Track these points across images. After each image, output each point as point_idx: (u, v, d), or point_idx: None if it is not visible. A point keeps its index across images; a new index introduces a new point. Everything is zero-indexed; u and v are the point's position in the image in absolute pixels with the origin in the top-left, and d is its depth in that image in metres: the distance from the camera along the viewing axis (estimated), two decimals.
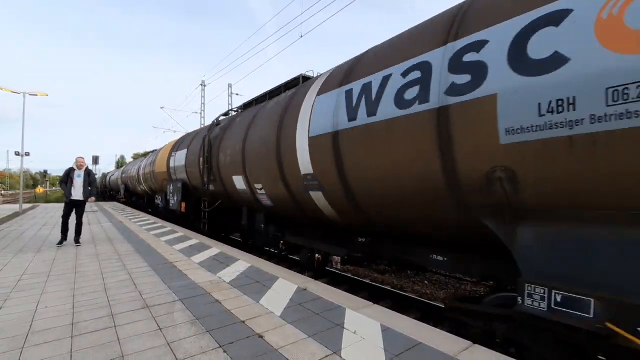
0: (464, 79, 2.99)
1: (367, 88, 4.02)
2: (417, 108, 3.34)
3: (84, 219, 7.71)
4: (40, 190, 44.05)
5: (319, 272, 6.98)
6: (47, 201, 38.51)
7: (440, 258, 4.01)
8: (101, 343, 2.69)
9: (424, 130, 3.27)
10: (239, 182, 7.22)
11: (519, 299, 2.76)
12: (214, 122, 9.52)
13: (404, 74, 3.59)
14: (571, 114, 2.32)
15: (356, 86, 4.23)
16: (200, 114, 25.23)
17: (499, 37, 2.83)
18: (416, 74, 3.45)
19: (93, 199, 7.61)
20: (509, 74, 2.65)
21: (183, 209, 10.56)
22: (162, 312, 3.39)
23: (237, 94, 20.67)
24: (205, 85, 24.94)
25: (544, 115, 2.44)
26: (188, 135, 12.27)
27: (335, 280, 7.64)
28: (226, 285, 4.26)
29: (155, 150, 17.81)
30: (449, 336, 2.81)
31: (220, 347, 2.62)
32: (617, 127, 2.14)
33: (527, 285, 2.72)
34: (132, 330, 2.95)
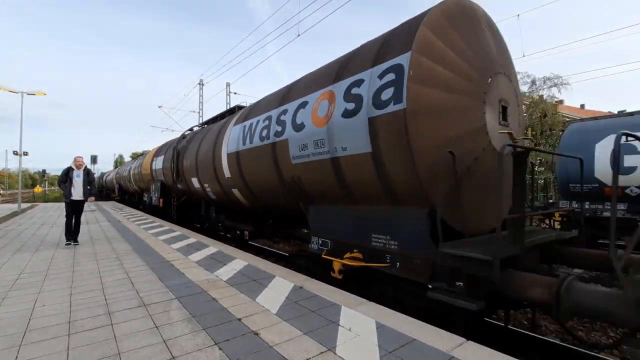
0: (279, 127, 5.61)
1: (251, 126, 6.62)
2: (265, 142, 5.92)
3: (82, 218, 7.71)
4: (38, 189, 43.93)
5: (241, 243, 9.29)
6: (46, 200, 38.42)
7: (304, 230, 6.45)
8: (98, 341, 2.71)
9: (268, 155, 5.85)
10: (195, 182, 9.67)
11: (310, 245, 5.35)
12: (182, 135, 12.20)
13: (263, 120, 6.21)
14: (306, 151, 4.94)
15: (247, 123, 6.86)
16: (198, 112, 25.17)
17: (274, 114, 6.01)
18: (267, 122, 6.05)
19: (92, 198, 7.56)
20: (293, 133, 5.19)
21: (161, 204, 12.97)
22: (159, 310, 3.41)
23: (235, 93, 20.67)
24: (203, 84, 24.89)
25: (303, 150, 4.98)
26: (165, 144, 14.59)
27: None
28: (223, 284, 4.28)
29: (144, 153, 20.44)
30: (443, 333, 2.83)
31: (216, 344, 2.64)
32: (318, 159, 4.74)
33: (312, 237, 5.33)
34: (129, 328, 2.97)
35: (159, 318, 3.19)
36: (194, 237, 8.01)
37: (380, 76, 3.82)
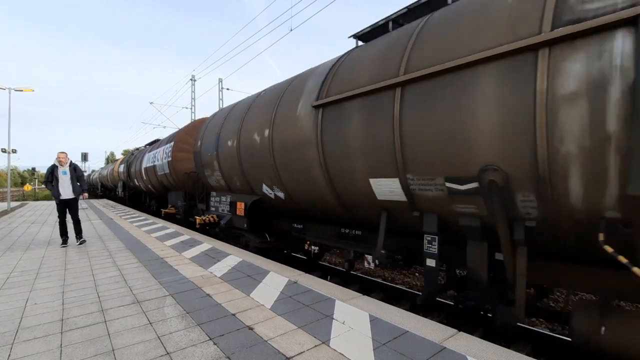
0: (156, 159, 13.45)
1: (153, 154, 13.87)
2: (155, 163, 13.60)
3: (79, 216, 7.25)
4: (28, 188, 43.23)
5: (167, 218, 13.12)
6: (36, 199, 37.89)
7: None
8: (91, 338, 2.70)
9: (154, 170, 13.86)
10: (138, 181, 16.74)
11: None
12: (132, 152, 20.92)
13: (155, 153, 14.08)
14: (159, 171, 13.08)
15: (152, 153, 13.95)
16: (191, 109, 24.93)
17: None
18: (154, 153, 14.13)
19: (85, 195, 7.18)
20: (159, 163, 13.07)
21: (122, 195, 21.20)
22: (153, 306, 3.40)
23: (227, 89, 20.48)
24: (195, 80, 24.64)
25: (159, 171, 13.17)
26: (127, 155, 22.55)
27: (326, 274, 7.73)
28: (217, 280, 4.28)
29: (118, 159, 28.98)
30: (436, 324, 2.88)
31: (210, 339, 2.65)
32: (162, 173, 12.88)
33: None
34: (122, 324, 2.96)
35: (153, 314, 3.19)
36: (187, 234, 7.97)
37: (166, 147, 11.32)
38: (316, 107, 4.54)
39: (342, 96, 4.12)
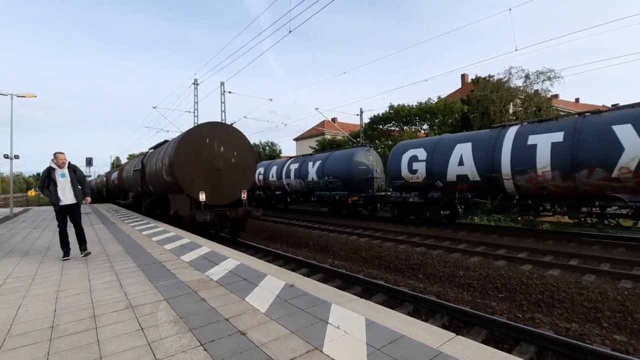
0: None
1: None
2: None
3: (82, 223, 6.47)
4: (32, 193, 43.51)
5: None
6: (40, 204, 38.09)
7: None
8: (80, 345, 2.64)
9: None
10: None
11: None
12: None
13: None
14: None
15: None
16: (194, 112, 24.97)
17: None
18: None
19: (88, 199, 6.39)
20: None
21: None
22: (146, 311, 3.34)
23: (229, 92, 20.52)
24: (197, 84, 24.68)
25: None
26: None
27: (329, 276, 7.66)
28: (214, 284, 4.22)
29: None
30: (433, 328, 2.79)
31: (201, 345, 2.58)
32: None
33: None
34: (113, 331, 2.91)
35: (145, 320, 3.13)
36: (187, 238, 7.93)
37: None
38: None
39: None
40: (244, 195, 11.09)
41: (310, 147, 33.04)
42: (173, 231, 9.23)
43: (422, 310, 5.68)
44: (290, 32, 10.15)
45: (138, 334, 2.83)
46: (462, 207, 13.80)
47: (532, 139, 9.52)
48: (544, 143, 9.22)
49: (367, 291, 6.71)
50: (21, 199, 44.29)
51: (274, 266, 5.11)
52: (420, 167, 12.42)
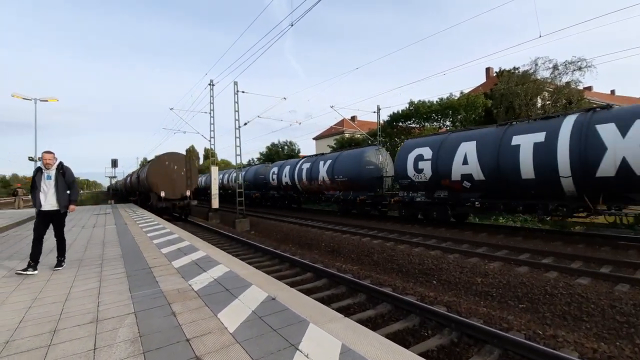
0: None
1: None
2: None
3: (65, 233, 5.74)
4: None
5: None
6: None
7: None
8: None
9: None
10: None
11: None
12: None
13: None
14: None
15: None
16: (210, 113, 25.14)
17: None
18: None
19: (73, 207, 5.48)
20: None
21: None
22: (109, 327, 3.08)
23: (242, 92, 20.46)
24: (213, 85, 24.82)
25: None
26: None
27: (333, 282, 7.24)
28: (192, 294, 3.93)
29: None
30: (418, 359, 2.34)
31: None
32: None
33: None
34: (64, 350, 2.65)
35: (103, 338, 2.86)
36: (188, 241, 7.76)
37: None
38: None
39: None
40: (187, 193, 18.65)
41: (328, 145, 32.67)
42: (177, 233, 9.12)
43: (429, 323, 5.17)
44: (292, 25, 9.79)
45: (88, 355, 2.56)
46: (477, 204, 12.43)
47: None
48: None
49: (372, 299, 6.25)
50: None
51: (262, 274, 4.77)
52: (426, 166, 11.96)
